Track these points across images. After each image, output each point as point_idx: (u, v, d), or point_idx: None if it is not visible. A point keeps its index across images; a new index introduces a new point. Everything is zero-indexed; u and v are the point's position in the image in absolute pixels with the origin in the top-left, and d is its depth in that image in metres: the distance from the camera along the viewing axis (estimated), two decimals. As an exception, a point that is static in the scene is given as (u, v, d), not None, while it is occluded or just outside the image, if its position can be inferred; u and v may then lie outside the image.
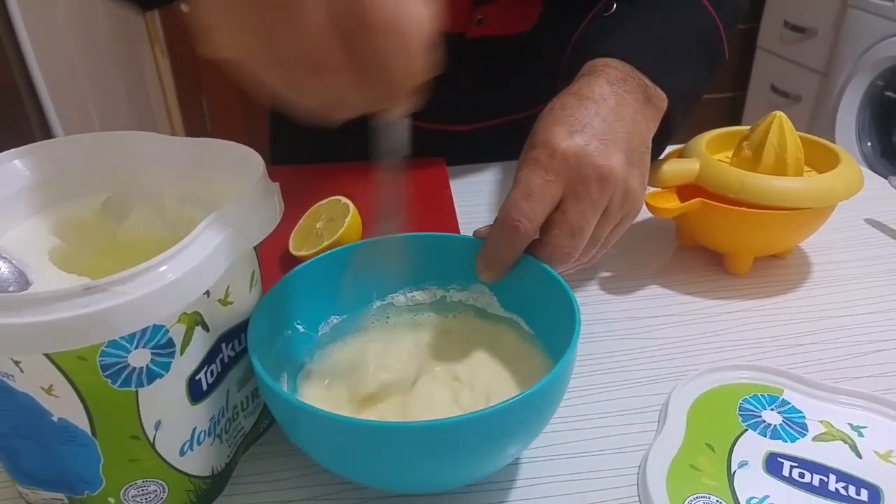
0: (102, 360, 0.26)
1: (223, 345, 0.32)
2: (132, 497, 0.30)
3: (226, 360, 0.32)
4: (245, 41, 0.25)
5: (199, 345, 0.30)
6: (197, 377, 0.30)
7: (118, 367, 0.26)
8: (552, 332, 0.37)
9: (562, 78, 0.45)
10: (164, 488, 0.31)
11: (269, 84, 0.26)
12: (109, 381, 0.27)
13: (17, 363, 0.26)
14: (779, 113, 0.49)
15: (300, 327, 0.37)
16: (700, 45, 0.48)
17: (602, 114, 0.39)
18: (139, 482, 0.30)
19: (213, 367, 0.31)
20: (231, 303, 0.32)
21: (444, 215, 0.56)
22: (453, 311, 0.41)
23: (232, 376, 0.33)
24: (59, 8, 1.31)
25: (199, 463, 0.32)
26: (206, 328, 0.30)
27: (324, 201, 0.50)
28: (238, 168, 0.34)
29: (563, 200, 0.37)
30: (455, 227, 0.55)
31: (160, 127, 1.87)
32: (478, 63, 0.65)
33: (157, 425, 0.29)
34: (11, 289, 0.29)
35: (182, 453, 0.31)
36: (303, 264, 0.37)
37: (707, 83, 0.49)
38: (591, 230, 0.38)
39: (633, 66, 0.42)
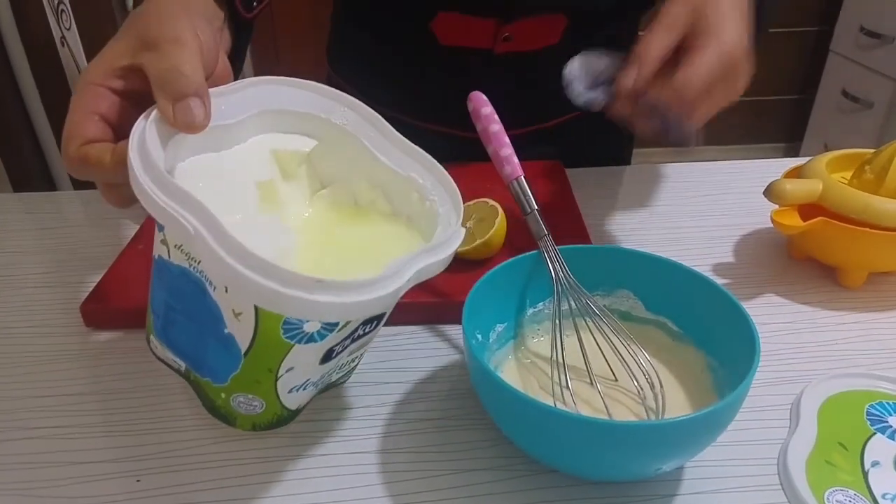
0: (287, 319, 0.31)
1: (362, 326, 0.35)
2: (239, 402, 0.36)
3: (356, 336, 0.36)
4: None
5: (350, 325, 0.34)
6: (335, 348, 0.34)
7: (296, 327, 0.31)
8: (707, 331, 0.42)
9: None
10: (262, 406, 0.36)
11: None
12: (283, 331, 0.31)
13: (227, 288, 0.31)
14: (902, 138, 0.52)
15: (479, 336, 0.42)
16: None
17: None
18: (249, 395, 0.35)
19: (346, 341, 0.35)
20: None
21: (571, 218, 0.60)
22: (600, 314, 0.44)
23: (352, 347, 0.37)
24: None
25: (294, 401, 0.37)
26: None
27: (471, 202, 0.55)
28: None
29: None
30: (583, 229, 0.58)
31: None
32: (506, 76, 0.68)
33: (289, 370, 0.34)
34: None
35: (289, 392, 0.36)
36: (480, 280, 0.41)
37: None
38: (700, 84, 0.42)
39: None
